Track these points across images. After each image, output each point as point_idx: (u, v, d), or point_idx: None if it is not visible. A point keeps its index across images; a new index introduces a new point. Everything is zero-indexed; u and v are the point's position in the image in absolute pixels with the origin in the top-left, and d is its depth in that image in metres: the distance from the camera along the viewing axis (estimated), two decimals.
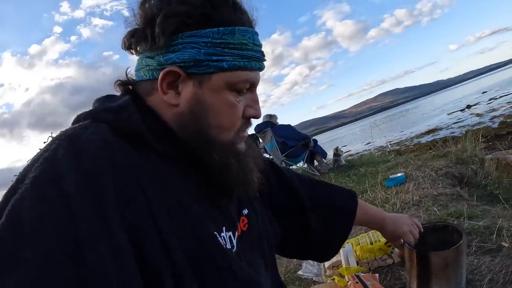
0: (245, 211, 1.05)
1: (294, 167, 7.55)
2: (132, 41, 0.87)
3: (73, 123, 0.82)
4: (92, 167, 0.66)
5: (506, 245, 1.97)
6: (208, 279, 0.78)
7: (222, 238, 0.87)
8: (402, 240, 1.50)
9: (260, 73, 0.92)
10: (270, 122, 7.35)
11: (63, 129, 0.75)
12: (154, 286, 0.66)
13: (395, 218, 1.47)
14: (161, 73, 0.82)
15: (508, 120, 14.58)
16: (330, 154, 7.73)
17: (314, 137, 7.68)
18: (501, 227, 2.18)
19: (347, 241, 2.50)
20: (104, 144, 0.71)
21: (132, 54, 0.90)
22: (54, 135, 0.75)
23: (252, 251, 1.01)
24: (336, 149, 7.61)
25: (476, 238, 2.17)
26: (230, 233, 0.91)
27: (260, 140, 7.62)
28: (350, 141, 33.65)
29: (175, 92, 0.84)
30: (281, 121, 7.69)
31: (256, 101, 0.93)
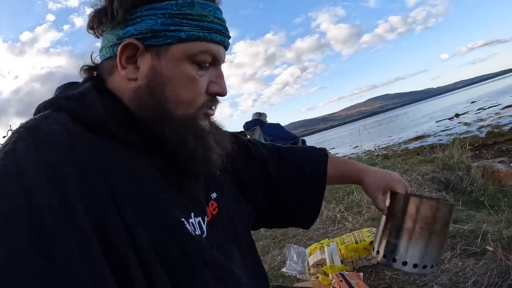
0: (214, 195, 1.02)
1: None
2: (94, 21, 0.85)
3: (34, 113, 0.79)
4: (53, 158, 0.63)
5: (491, 249, 1.98)
6: (176, 267, 0.75)
7: (191, 224, 0.84)
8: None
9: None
10: (259, 120, 7.28)
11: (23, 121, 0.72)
12: (122, 276, 0.64)
13: (378, 172, 1.29)
14: (120, 47, 0.79)
15: (496, 131, 14.79)
16: None
17: (303, 138, 7.66)
18: (486, 231, 2.20)
19: (332, 240, 2.50)
20: (64, 134, 0.69)
21: (98, 37, 0.87)
22: (13, 128, 0.72)
23: (224, 235, 0.98)
24: None
25: (461, 241, 2.19)
26: (199, 219, 0.88)
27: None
28: (339, 144, 33.88)
29: (134, 66, 0.81)
30: (270, 120, 7.62)
31: (220, 76, 0.89)
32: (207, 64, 0.85)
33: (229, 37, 0.90)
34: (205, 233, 0.88)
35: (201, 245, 0.82)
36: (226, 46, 0.89)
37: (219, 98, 0.91)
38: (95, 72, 0.89)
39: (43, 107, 0.78)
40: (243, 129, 7.40)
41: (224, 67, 0.92)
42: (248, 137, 6.90)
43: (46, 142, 0.66)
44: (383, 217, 1.24)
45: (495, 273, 1.74)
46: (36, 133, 0.67)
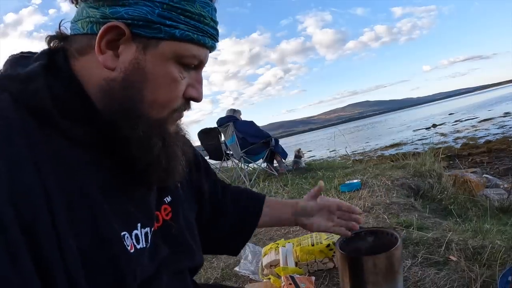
0: (168, 199, 0.96)
1: (253, 165, 7.54)
2: None
3: None
4: None
5: (454, 259, 1.87)
6: (102, 285, 0.68)
7: (133, 236, 0.78)
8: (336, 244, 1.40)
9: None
10: (233, 117, 7.26)
11: None
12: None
13: (310, 212, 1.33)
14: (103, 27, 0.70)
15: (471, 142, 15.17)
16: (292, 156, 7.70)
17: (278, 139, 7.66)
18: (450, 240, 2.09)
19: (288, 241, 2.37)
20: (1, 122, 0.61)
21: (75, 5, 0.77)
22: None
23: (175, 241, 0.93)
24: (298, 150, 7.57)
25: (424, 249, 2.07)
26: (147, 229, 0.83)
27: (222, 134, 7.49)
28: (316, 147, 34.12)
29: (113, 53, 0.73)
30: (249, 119, 7.59)
31: (199, 81, 0.84)
32: (193, 66, 0.81)
33: (218, 41, 0.85)
34: (149, 244, 0.83)
35: (137, 263, 0.76)
36: (214, 50, 0.86)
37: (192, 103, 0.86)
38: (61, 43, 0.79)
39: None
40: (216, 125, 7.34)
41: (208, 64, 0.85)
42: (222, 133, 6.87)
43: None
44: (343, 274, 1.34)
45: (456, 285, 1.63)
46: None
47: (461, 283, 1.64)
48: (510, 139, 13.81)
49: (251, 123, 7.29)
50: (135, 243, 0.78)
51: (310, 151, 24.75)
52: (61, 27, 0.79)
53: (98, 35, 0.71)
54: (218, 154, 7.51)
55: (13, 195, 0.56)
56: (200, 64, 0.82)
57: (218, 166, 8.00)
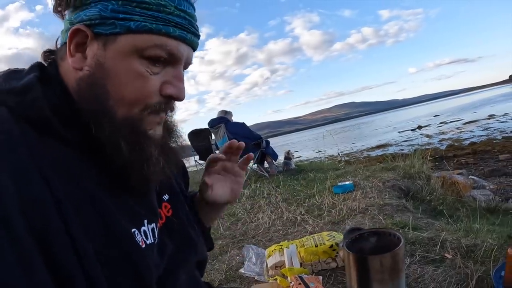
0: (166, 197, 0.97)
1: None
2: (57, 2, 0.78)
3: None
4: None
5: (449, 256, 2.00)
6: (124, 284, 0.70)
7: (142, 233, 0.79)
8: (342, 244, 1.47)
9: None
10: (224, 118, 7.29)
11: None
12: None
13: (203, 190, 1.15)
14: (69, 32, 0.73)
15: (456, 144, 15.35)
16: (281, 157, 7.75)
17: (267, 139, 7.68)
18: (444, 239, 2.24)
19: (291, 242, 2.47)
20: (2, 136, 0.62)
21: (62, 18, 0.80)
22: None
23: (178, 237, 0.95)
24: (288, 152, 7.63)
25: (420, 248, 2.21)
26: (153, 225, 0.84)
27: (213, 136, 7.52)
28: (302, 148, 34.19)
29: (82, 55, 0.74)
30: (236, 120, 7.63)
31: (178, 78, 0.80)
32: (162, 61, 0.77)
33: (197, 35, 0.82)
34: (156, 240, 0.84)
35: (150, 258, 0.78)
36: (191, 44, 0.81)
37: (175, 102, 0.84)
38: (52, 57, 0.82)
39: None
40: (207, 126, 7.37)
41: (195, 64, 0.83)
42: (212, 134, 6.86)
43: None
44: (351, 277, 1.44)
45: (454, 280, 1.76)
46: None
47: (458, 279, 1.78)
48: (494, 141, 14.06)
49: (243, 125, 7.33)
50: (145, 239, 0.79)
51: (297, 151, 24.82)
52: (57, 42, 0.82)
53: (67, 40, 0.74)
54: (209, 155, 7.50)
55: (23, 205, 0.57)
56: (174, 58, 0.79)
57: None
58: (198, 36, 0.82)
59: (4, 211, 0.54)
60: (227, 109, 7.57)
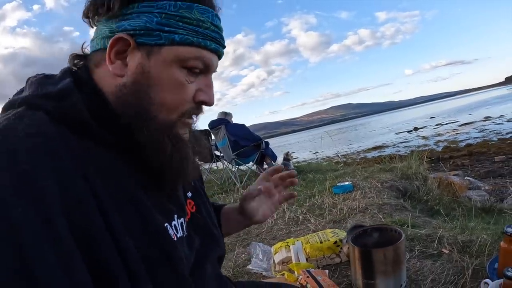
0: (189, 194, 1.02)
1: (243, 167, 7.59)
2: (90, 9, 0.81)
3: (4, 109, 0.74)
4: (30, 168, 0.58)
5: (446, 251, 2.13)
6: (161, 276, 0.74)
7: (173, 227, 0.83)
8: (346, 240, 1.51)
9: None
10: (224, 120, 7.30)
11: None
12: None
13: (247, 208, 1.25)
14: (111, 40, 0.76)
15: (452, 145, 15.47)
16: (280, 159, 7.80)
17: (266, 140, 7.72)
18: (441, 236, 2.37)
19: (297, 239, 2.58)
20: (43, 139, 0.63)
21: (92, 27, 0.84)
22: None
23: (202, 232, 0.99)
24: (287, 153, 7.68)
25: (419, 244, 2.34)
26: (182, 220, 0.89)
27: (213, 137, 7.58)
28: (299, 149, 34.18)
29: (122, 62, 0.78)
30: (232, 121, 7.66)
31: (209, 86, 0.86)
32: (198, 71, 0.83)
33: (224, 47, 0.88)
34: (185, 234, 0.88)
35: (182, 251, 0.82)
36: (220, 55, 0.87)
37: (204, 107, 0.88)
38: (81, 62, 0.84)
39: (16, 105, 0.72)
40: (207, 128, 7.40)
41: None
42: (212, 135, 6.87)
43: (22, 148, 0.60)
44: (356, 270, 1.55)
45: (451, 272, 1.89)
46: (10, 136, 0.61)
47: (454, 271, 1.90)
48: (490, 143, 14.16)
49: (243, 126, 7.32)
50: (175, 233, 0.83)
51: (294, 152, 24.80)
52: (83, 48, 0.85)
53: (108, 47, 0.76)
54: (208, 156, 7.47)
55: (66, 206, 0.58)
56: (207, 68, 0.84)
57: (207, 168, 8.04)
58: (225, 47, 0.88)
59: (47, 212, 0.56)
60: (226, 111, 7.61)
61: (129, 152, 0.78)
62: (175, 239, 0.82)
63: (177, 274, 0.77)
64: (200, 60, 0.81)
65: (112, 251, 0.63)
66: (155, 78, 0.77)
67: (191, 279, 0.82)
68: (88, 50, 0.85)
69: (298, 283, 1.91)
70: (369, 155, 17.64)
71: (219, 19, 0.85)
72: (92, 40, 0.83)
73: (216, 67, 0.87)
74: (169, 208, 0.86)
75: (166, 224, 0.81)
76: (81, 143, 0.69)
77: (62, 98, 0.72)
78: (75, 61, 0.85)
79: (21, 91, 0.78)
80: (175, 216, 0.86)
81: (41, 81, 0.77)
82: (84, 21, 0.84)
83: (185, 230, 0.89)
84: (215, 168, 8.79)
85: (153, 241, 0.74)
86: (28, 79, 0.80)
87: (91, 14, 0.81)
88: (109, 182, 0.69)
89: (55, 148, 0.62)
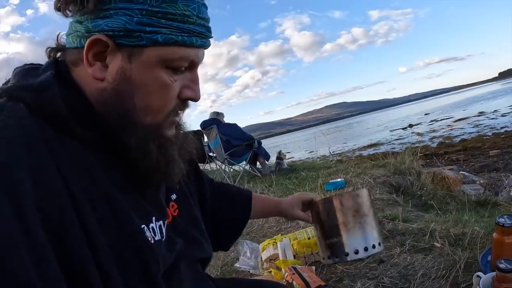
0: (174, 196, 0.99)
1: (236, 167, 7.58)
2: (61, 2, 0.76)
3: None
4: (6, 159, 0.58)
5: (438, 245, 2.06)
6: (134, 278, 0.72)
7: (151, 229, 0.81)
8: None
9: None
10: (216, 120, 7.30)
11: None
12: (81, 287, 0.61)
13: (290, 197, 1.46)
14: (87, 42, 0.71)
15: (447, 141, 15.62)
16: (273, 158, 7.80)
17: (259, 140, 7.71)
18: (433, 229, 2.30)
19: (284, 236, 2.52)
20: (21, 131, 0.63)
21: (66, 16, 0.78)
22: None
23: (187, 235, 0.97)
24: (279, 152, 7.67)
25: (410, 238, 2.27)
26: (160, 222, 0.85)
27: (205, 138, 7.54)
28: (294, 148, 34.29)
29: (102, 64, 0.73)
30: (228, 122, 7.65)
31: (195, 81, 0.83)
32: (183, 69, 0.79)
33: (211, 37, 0.83)
34: (164, 237, 0.85)
35: (158, 253, 0.79)
36: (207, 47, 0.83)
37: (190, 102, 0.85)
38: (59, 54, 0.81)
39: None
40: (199, 128, 7.38)
41: None
42: (205, 136, 6.86)
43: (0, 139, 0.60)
44: (317, 227, 1.40)
45: (443, 266, 1.82)
46: None
47: (446, 265, 1.84)
48: (484, 138, 14.24)
49: (235, 126, 7.33)
50: (153, 235, 0.80)
51: (289, 152, 24.86)
52: (59, 39, 0.81)
53: (85, 49, 0.72)
54: (201, 156, 7.55)
55: (39, 199, 0.58)
56: (193, 64, 0.81)
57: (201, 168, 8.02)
58: (212, 37, 0.83)
59: (19, 205, 0.55)
60: (219, 111, 7.59)
61: (108, 151, 0.76)
62: (152, 241, 0.79)
63: (150, 277, 0.75)
64: (185, 59, 0.77)
65: (84, 247, 0.62)
66: (138, 83, 0.74)
67: (162, 281, 0.78)
68: (64, 41, 0.81)
69: (284, 280, 1.85)
70: (365, 152, 17.68)
71: (206, 7, 0.80)
72: (68, 35, 0.78)
73: (202, 59, 0.83)
74: (147, 210, 0.82)
75: (143, 226, 0.78)
76: (57, 137, 0.67)
77: (41, 91, 0.70)
78: (53, 54, 0.82)
79: (8, 81, 0.77)
80: (153, 218, 0.83)
81: (25, 73, 0.76)
82: (57, 13, 0.78)
83: (164, 233, 0.86)
84: (209, 169, 8.77)
85: (128, 241, 0.72)
86: (15, 69, 0.79)
87: (62, 7, 0.76)
88: (84, 178, 0.68)
89: (31, 141, 0.62)
